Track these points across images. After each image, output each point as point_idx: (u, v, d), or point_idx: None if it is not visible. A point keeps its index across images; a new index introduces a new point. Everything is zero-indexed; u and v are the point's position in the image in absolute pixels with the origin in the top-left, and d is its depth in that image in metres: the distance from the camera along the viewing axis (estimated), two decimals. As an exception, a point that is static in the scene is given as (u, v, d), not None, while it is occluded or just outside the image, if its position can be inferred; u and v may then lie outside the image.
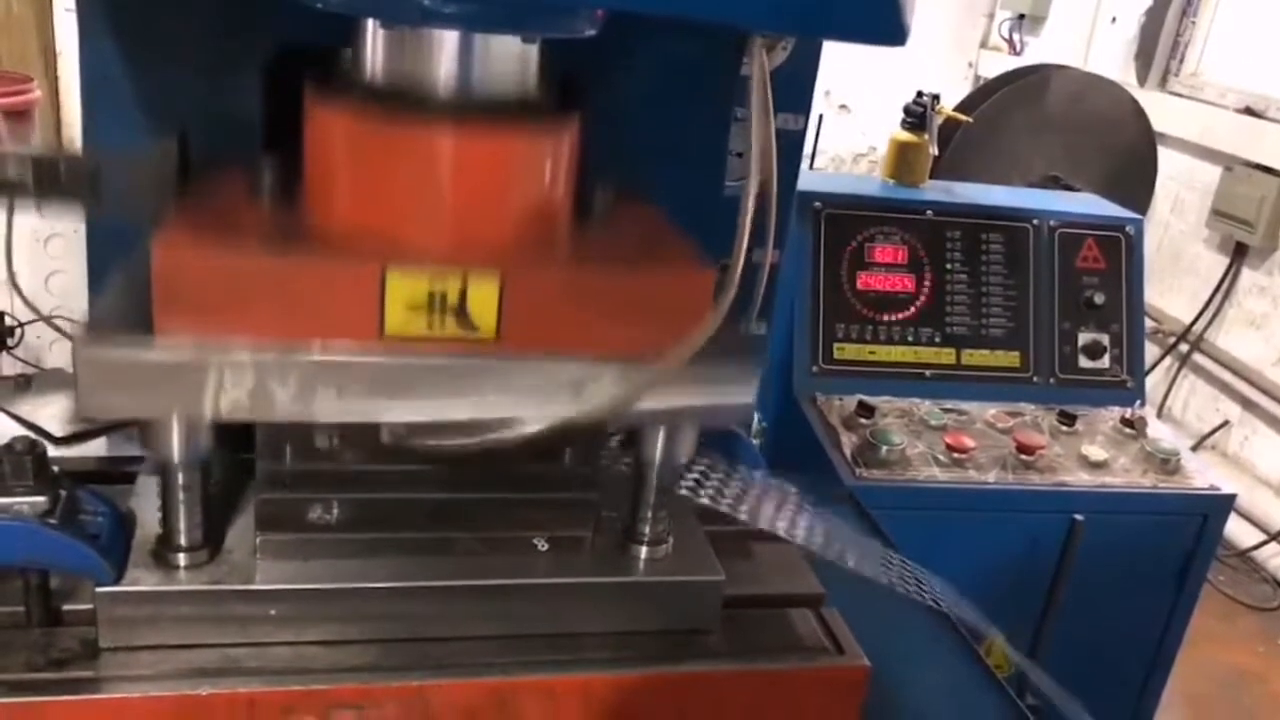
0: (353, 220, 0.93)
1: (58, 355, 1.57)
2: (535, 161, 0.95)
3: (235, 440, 1.02)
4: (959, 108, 3.38)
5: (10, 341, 1.55)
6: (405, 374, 0.91)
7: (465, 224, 0.93)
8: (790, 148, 1.45)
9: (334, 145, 0.93)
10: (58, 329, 1.33)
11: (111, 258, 0.99)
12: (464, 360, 0.92)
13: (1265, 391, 4.31)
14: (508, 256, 0.93)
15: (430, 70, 0.92)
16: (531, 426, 0.92)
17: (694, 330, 0.91)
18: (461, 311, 0.91)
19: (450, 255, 0.91)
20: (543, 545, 1.06)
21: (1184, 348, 4.70)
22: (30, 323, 1.51)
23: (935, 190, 2.63)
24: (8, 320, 1.55)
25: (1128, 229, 2.61)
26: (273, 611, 0.97)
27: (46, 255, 1.58)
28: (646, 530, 1.08)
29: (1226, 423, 4.56)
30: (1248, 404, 4.46)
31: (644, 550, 1.08)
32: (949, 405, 2.41)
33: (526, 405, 0.93)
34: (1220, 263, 4.58)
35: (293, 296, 0.88)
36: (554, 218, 0.99)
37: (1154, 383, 4.63)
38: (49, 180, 1.01)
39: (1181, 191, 4.77)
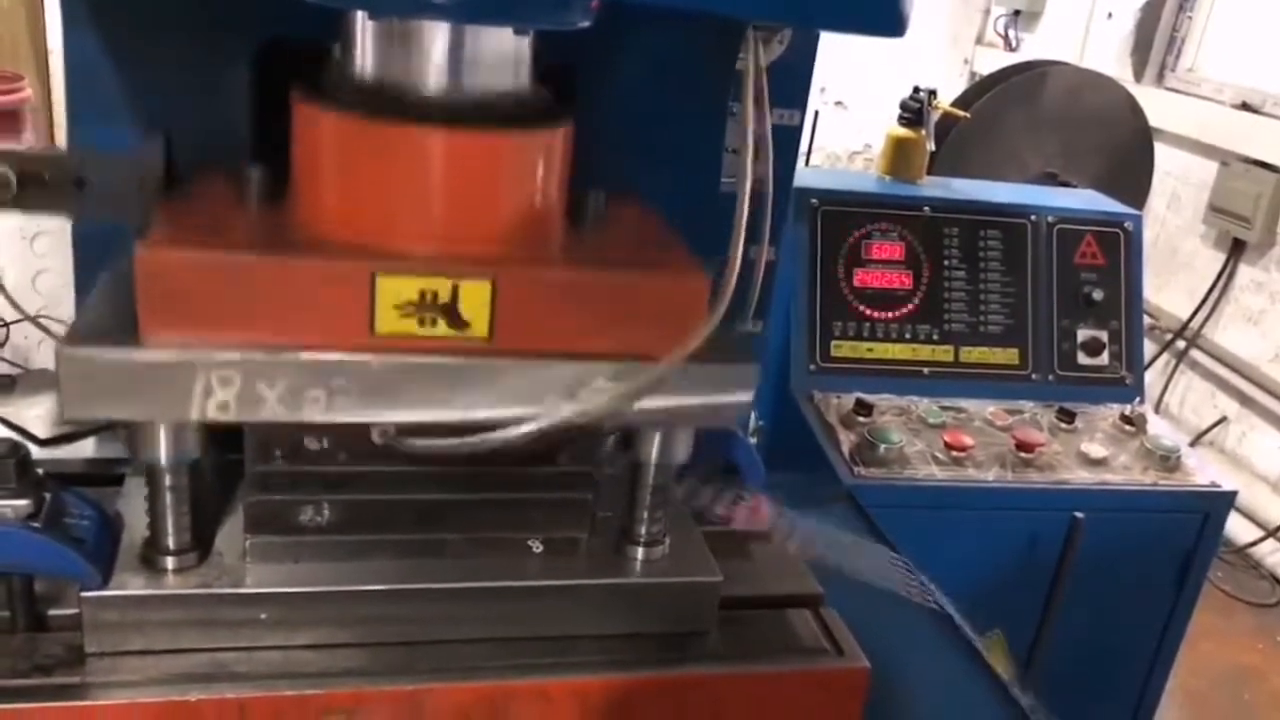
0: (342, 222, 0.91)
1: (45, 355, 1.55)
2: (527, 163, 0.94)
3: (224, 441, 1.00)
4: (954, 104, 3.36)
5: (-4, 341, 1.53)
6: (396, 375, 0.89)
7: (457, 225, 0.91)
8: (786, 144, 1.44)
9: (323, 148, 0.91)
10: (44, 329, 1.31)
11: (99, 256, 0.97)
12: (456, 361, 0.90)
13: (1262, 387, 4.31)
14: (500, 258, 0.91)
15: (421, 71, 0.90)
16: (526, 429, 0.90)
17: (691, 331, 0.90)
18: (454, 313, 0.89)
19: (442, 256, 0.89)
20: (537, 546, 1.05)
21: (1181, 344, 4.70)
22: (16, 322, 1.49)
23: (933, 186, 2.61)
24: (-7, 320, 1.54)
25: (1127, 225, 2.60)
26: (263, 615, 0.96)
27: (33, 253, 1.56)
28: (643, 531, 1.06)
29: (1224, 419, 4.55)
30: (1245, 400, 4.46)
31: (640, 551, 1.07)
32: (947, 403, 2.40)
33: (521, 407, 0.91)
34: (1217, 258, 4.57)
35: (280, 297, 0.87)
36: (547, 219, 0.97)
37: (1151, 379, 4.62)
38: (33, 182, 1.00)
39: (1178, 187, 4.77)
